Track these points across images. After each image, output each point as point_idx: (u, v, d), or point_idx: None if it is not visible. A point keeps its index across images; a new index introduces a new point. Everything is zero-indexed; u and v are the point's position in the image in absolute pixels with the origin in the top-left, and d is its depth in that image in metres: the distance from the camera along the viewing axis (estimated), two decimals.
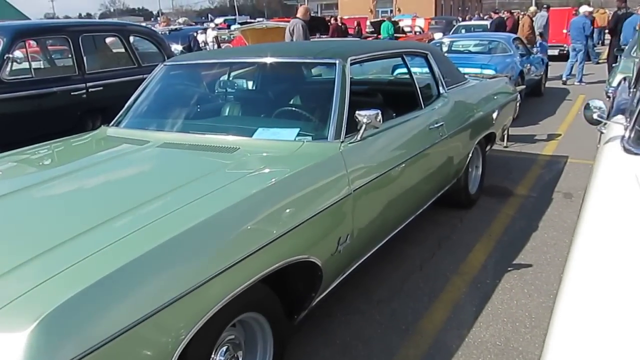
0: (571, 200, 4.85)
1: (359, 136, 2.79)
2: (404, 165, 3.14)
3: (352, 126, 2.80)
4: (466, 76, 4.72)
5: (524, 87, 7.53)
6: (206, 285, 1.78)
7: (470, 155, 4.31)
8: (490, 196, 4.96)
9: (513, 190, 5.14)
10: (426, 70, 3.99)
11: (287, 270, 2.22)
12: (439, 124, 3.63)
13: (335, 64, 2.99)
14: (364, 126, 2.76)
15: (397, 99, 3.66)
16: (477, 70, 7.63)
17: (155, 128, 3.13)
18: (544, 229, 4.20)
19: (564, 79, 12.56)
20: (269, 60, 3.27)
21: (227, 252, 1.92)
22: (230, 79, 3.72)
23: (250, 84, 3.67)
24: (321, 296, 2.56)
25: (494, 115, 4.74)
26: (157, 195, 2.11)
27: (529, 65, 9.41)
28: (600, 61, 16.30)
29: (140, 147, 2.79)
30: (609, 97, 6.63)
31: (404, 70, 3.78)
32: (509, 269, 3.58)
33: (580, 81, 12.37)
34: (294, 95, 3.33)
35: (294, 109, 3.07)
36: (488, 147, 4.98)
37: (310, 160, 2.51)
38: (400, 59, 3.70)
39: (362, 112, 2.75)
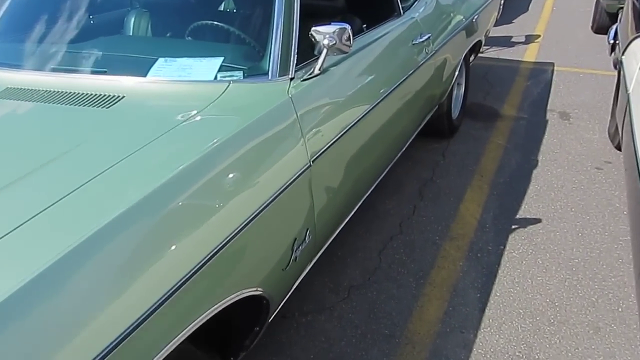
0: (569, 122, 4.03)
1: (318, 67, 1.79)
2: (383, 103, 2.17)
3: (307, 52, 1.79)
4: None
5: None
6: None
7: (457, 72, 3.36)
8: (474, 119, 4.08)
9: (499, 110, 4.27)
10: None
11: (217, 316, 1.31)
12: (424, 37, 2.63)
13: None
14: (324, 51, 1.76)
15: (367, 2, 2.60)
16: None
17: None
18: (546, 165, 3.39)
19: None
20: None
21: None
22: None
23: None
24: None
25: (481, 17, 3.74)
26: None
27: None
28: None
29: None
30: None
31: None
32: (513, 226, 2.78)
33: None
34: (215, 4, 2.22)
35: (215, 23, 1.97)
36: (472, 58, 4.03)
37: (238, 116, 1.52)
38: None
39: (322, 29, 1.74)
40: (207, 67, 1.70)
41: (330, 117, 1.82)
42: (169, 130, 1.42)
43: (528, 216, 2.87)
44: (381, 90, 2.18)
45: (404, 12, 2.65)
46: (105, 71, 1.78)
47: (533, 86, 4.80)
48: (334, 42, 1.74)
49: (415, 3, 2.82)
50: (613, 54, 3.96)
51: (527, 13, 7.73)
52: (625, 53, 3.09)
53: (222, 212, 1.31)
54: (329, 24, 1.75)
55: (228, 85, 1.62)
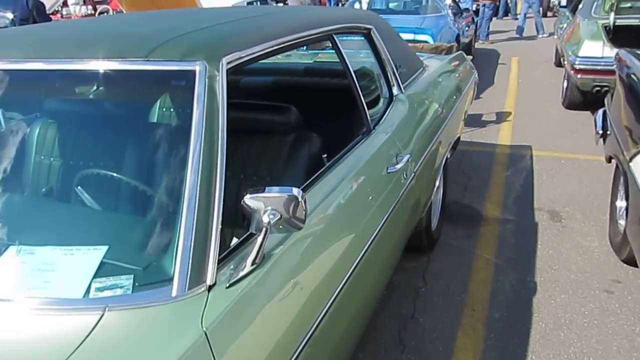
0: (561, 224, 3.52)
1: (253, 259, 1.18)
2: (349, 286, 1.56)
3: (236, 228, 1.20)
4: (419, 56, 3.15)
5: (471, 56, 6.11)
6: None
7: (437, 182, 2.82)
8: (454, 224, 3.53)
9: (481, 210, 3.75)
10: (369, 57, 2.39)
11: None
12: (402, 160, 2.06)
13: (192, 72, 1.32)
14: (263, 233, 1.16)
15: (328, 119, 2.06)
16: (409, 37, 6.13)
17: None
18: (546, 289, 2.84)
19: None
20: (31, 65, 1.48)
21: None
22: None
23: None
24: None
25: (461, 111, 3.27)
26: None
27: (462, 24, 8.06)
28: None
29: None
30: (576, 69, 5.40)
31: (336, 62, 2.14)
32: None
33: (487, 37, 11.40)
34: (95, 158, 1.57)
35: (86, 198, 1.33)
36: (450, 155, 3.52)
37: None
38: (328, 42, 2.04)
39: (260, 198, 1.15)
40: (76, 272, 1.07)
41: (272, 334, 1.18)
42: None
43: None
44: (345, 272, 1.56)
45: (374, 127, 2.11)
46: None
47: (513, 176, 4.33)
48: (278, 217, 1.15)
49: (389, 110, 2.28)
50: (602, 143, 3.53)
51: (494, 87, 7.47)
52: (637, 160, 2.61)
53: None
54: (265, 190, 1.16)
55: (101, 317, 0.98)
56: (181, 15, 1.81)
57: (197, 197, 1.14)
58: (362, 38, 2.33)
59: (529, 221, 3.58)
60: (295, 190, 1.17)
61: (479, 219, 3.61)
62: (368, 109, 2.10)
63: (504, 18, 15.97)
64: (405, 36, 6.12)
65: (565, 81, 6.18)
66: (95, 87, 1.55)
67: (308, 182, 1.71)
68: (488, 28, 11.51)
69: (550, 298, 2.76)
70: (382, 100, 2.31)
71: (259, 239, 1.17)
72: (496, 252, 3.21)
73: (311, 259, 1.41)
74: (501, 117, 5.99)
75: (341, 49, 2.00)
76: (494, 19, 12.47)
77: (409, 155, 2.07)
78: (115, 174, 1.37)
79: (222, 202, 1.17)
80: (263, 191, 1.17)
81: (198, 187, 1.15)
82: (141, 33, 1.52)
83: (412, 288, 2.87)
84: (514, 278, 2.94)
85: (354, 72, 2.11)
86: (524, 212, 3.71)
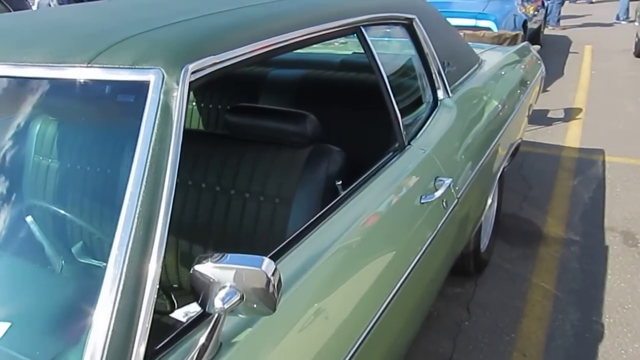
0: (637, 249, 3.01)
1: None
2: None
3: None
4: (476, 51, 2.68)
5: (539, 47, 5.50)
6: None
7: (489, 201, 2.39)
8: (508, 242, 3.08)
9: (541, 226, 3.27)
10: (409, 54, 1.97)
11: None
12: (443, 186, 1.65)
13: (143, 84, 0.98)
14: (215, 319, 0.82)
15: (354, 129, 1.69)
16: (470, 22, 5.59)
17: None
18: (616, 334, 2.37)
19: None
20: None
21: None
22: None
23: None
24: None
25: (523, 112, 2.80)
26: None
27: (530, 8, 7.37)
28: None
29: None
30: None
31: (364, 62, 1.73)
32: None
33: (557, 23, 10.51)
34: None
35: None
36: (508, 164, 3.04)
37: None
38: (355, 36, 1.64)
39: (216, 266, 0.81)
40: None
41: None
42: None
43: None
44: (364, 328, 1.20)
45: (409, 142, 1.71)
46: None
47: (581, 187, 3.79)
48: (238, 298, 0.80)
49: (429, 121, 1.87)
50: None
51: (563, 78, 6.80)
52: None
53: None
54: (223, 257, 0.81)
55: None
56: (165, 3, 1.47)
57: (124, 276, 0.80)
58: (402, 29, 1.91)
59: (598, 244, 3.08)
60: (265, 264, 0.81)
61: (538, 238, 3.14)
62: (404, 117, 1.70)
63: (577, 2, 14.84)
64: (465, 22, 5.61)
65: None
66: (24, 102, 1.22)
67: (322, 212, 1.36)
68: (559, 13, 10.63)
69: (620, 347, 2.30)
70: (423, 106, 1.89)
71: (210, 327, 0.82)
72: (556, 281, 2.75)
73: (324, 305, 1.07)
74: (570, 114, 5.38)
75: (371, 45, 1.60)
76: (566, 2, 11.56)
77: (450, 180, 1.65)
78: (30, 219, 1.05)
79: (157, 280, 0.83)
80: (220, 259, 0.82)
81: (127, 259, 0.81)
82: (95, 29, 1.18)
83: (453, 321, 2.47)
84: (576, 317, 2.48)
85: (388, 71, 1.71)
86: (592, 231, 3.20)
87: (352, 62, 2.59)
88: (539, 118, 5.13)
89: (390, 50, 2.09)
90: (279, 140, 1.70)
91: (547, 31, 9.86)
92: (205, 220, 1.80)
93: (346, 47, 3.06)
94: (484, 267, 2.82)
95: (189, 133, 0.96)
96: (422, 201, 1.55)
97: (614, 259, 2.93)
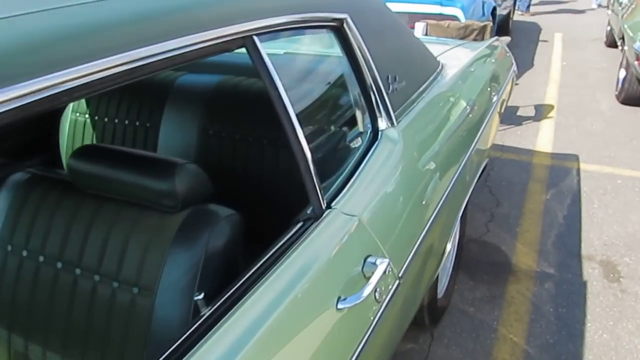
0: (619, 285, 2.58)
1: None
2: None
3: None
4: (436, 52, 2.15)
5: (509, 38, 5.00)
6: None
7: (448, 247, 1.89)
8: (471, 277, 2.62)
9: (510, 255, 2.82)
10: (337, 70, 1.43)
11: None
12: (375, 274, 1.13)
13: None
14: None
15: (258, 165, 1.17)
16: (435, 10, 5.06)
17: None
18: None
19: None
20: None
21: None
22: None
23: None
24: None
25: (492, 124, 2.32)
26: None
27: None
28: None
29: None
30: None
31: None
32: None
33: (527, 9, 10.11)
34: None
35: None
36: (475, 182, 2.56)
37: None
38: (245, 49, 1.08)
39: None
40: None
41: None
42: None
43: None
44: None
45: (329, 203, 1.18)
46: None
47: (555, 202, 3.36)
48: None
49: (362, 167, 1.33)
50: None
51: (533, 70, 6.37)
52: None
53: None
54: None
55: None
56: None
57: None
58: (331, 33, 1.38)
59: (575, 278, 2.64)
60: None
61: (506, 271, 2.68)
62: (324, 167, 1.18)
63: None
64: (429, 9, 5.07)
65: (623, 70, 5.07)
66: None
67: (196, 323, 0.85)
68: None
69: None
70: (354, 145, 1.36)
71: None
72: (527, 332, 2.30)
73: None
74: (541, 111, 4.95)
75: (268, 63, 1.06)
76: None
77: (387, 262, 1.14)
78: None
79: None
80: None
81: None
82: None
83: None
84: None
85: (301, 98, 1.18)
86: (567, 261, 2.76)
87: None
88: (509, 116, 4.68)
89: (308, 64, 1.56)
90: (142, 200, 1.17)
91: (516, 17, 9.44)
92: (43, 309, 1.26)
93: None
94: (441, 314, 2.34)
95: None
96: (339, 307, 1.03)
97: (594, 299, 2.49)
